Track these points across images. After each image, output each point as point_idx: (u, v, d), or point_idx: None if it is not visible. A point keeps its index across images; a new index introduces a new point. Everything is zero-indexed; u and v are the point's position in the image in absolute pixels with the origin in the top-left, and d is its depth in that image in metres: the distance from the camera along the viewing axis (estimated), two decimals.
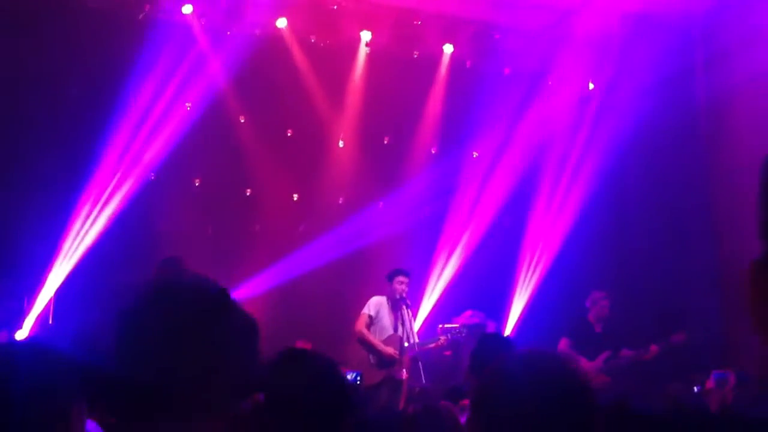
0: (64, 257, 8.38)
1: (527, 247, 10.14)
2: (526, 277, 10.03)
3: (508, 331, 9.73)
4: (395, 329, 7.72)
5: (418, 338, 7.83)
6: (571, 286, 9.23)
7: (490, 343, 4.51)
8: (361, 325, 7.64)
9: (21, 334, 7.30)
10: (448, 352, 8.25)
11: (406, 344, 7.61)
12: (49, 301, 8.37)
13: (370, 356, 7.55)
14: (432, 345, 7.81)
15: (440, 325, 8.20)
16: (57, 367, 1.67)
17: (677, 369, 7.94)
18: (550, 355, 1.82)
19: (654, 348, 8.09)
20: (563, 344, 8.06)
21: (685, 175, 9.74)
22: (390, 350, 7.56)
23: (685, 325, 8.40)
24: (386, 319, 7.72)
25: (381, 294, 7.88)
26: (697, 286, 9.27)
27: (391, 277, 7.83)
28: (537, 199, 10.35)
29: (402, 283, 7.74)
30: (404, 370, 7.64)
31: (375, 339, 7.61)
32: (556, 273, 9.89)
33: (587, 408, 1.67)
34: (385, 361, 7.55)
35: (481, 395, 1.74)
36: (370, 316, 7.67)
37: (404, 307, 7.74)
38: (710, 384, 6.27)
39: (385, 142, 10.17)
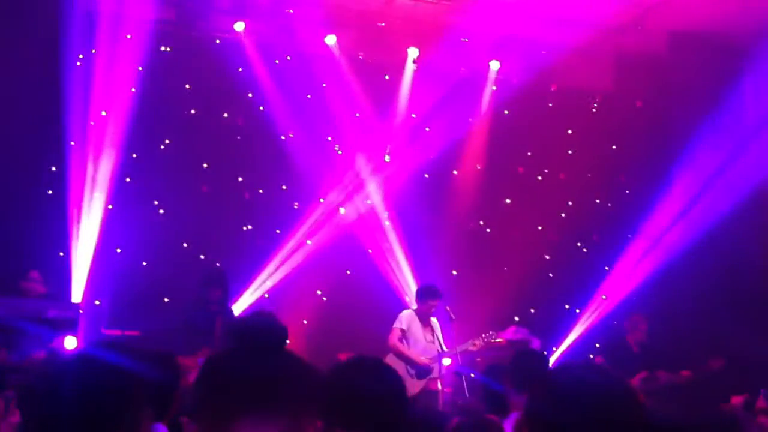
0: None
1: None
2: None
3: (560, 351, 9.81)
4: (427, 341, 7.86)
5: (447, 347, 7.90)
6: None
7: (528, 359, 4.55)
8: (394, 339, 7.78)
9: (70, 344, 7.00)
10: (479, 359, 8.25)
11: (441, 351, 7.79)
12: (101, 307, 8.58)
13: (408, 368, 7.66)
14: (470, 347, 7.89)
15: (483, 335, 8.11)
16: (107, 377, 1.71)
17: (722, 391, 7.79)
18: (595, 366, 1.90)
19: (686, 373, 8.02)
20: (596, 362, 8.14)
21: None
22: (425, 360, 7.74)
23: (728, 350, 8.28)
24: (418, 331, 7.86)
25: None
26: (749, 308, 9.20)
27: (422, 298, 7.95)
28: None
29: (433, 306, 7.88)
30: (438, 381, 7.80)
31: (409, 351, 7.75)
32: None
33: (637, 412, 1.74)
34: (422, 372, 7.72)
35: (536, 409, 1.81)
36: (402, 330, 7.81)
37: (433, 318, 7.95)
38: (761, 403, 6.15)
39: (432, 157, 10.24)
